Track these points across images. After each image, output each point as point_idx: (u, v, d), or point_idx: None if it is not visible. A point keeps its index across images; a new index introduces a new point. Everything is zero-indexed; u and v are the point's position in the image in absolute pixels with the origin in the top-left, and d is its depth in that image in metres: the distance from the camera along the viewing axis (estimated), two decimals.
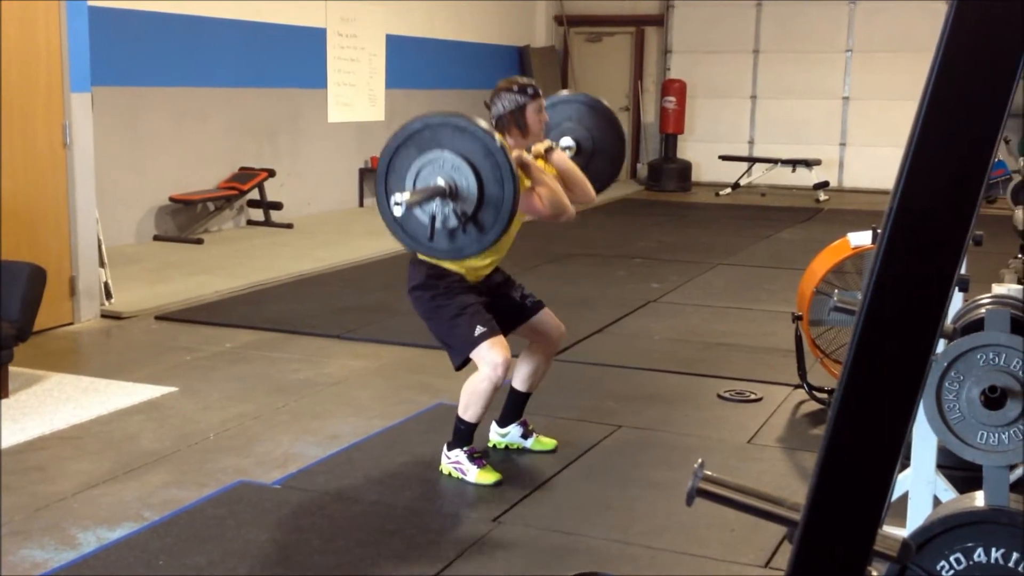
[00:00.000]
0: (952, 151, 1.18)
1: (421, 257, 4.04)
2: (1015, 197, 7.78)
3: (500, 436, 4.49)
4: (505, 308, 4.23)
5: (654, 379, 5.64)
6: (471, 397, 4.07)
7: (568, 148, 4.57)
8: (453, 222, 3.58)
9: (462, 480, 4.12)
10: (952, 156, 1.18)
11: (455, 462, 4.16)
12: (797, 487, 4.15)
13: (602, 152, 4.67)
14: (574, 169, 4.29)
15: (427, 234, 3.61)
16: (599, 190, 4.59)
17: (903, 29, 14.53)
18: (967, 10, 1.15)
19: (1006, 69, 1.15)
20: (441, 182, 3.54)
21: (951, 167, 1.18)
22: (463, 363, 4.08)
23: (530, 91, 4.04)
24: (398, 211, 3.46)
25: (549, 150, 4.22)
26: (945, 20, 1.17)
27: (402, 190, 3.58)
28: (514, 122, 4.05)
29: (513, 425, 4.48)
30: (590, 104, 4.71)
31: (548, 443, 4.50)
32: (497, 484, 4.09)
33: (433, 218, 3.59)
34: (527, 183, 3.97)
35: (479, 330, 3.99)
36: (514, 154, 3.81)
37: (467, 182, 3.52)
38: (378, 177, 3.71)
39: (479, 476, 4.10)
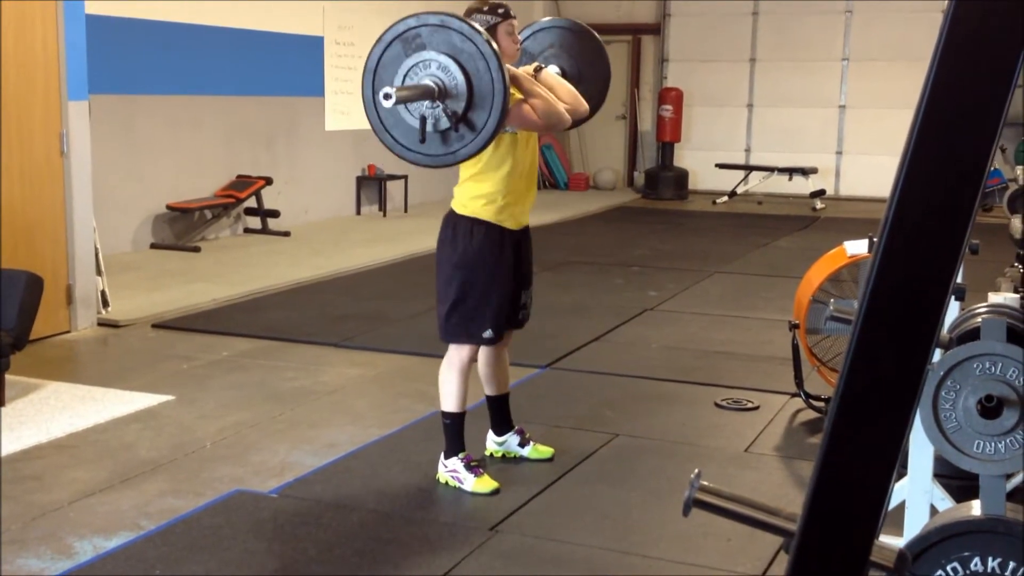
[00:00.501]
0: (948, 160, 1.18)
1: (461, 212, 4.06)
2: (1011, 206, 7.79)
3: (497, 445, 4.49)
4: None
5: (651, 387, 5.63)
6: (442, 386, 4.18)
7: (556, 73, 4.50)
8: (445, 123, 3.52)
9: (459, 489, 4.12)
10: (948, 165, 1.18)
11: (452, 471, 4.15)
12: (794, 496, 4.14)
13: (588, 77, 4.57)
14: (564, 84, 4.23)
15: (418, 137, 3.54)
16: (590, 112, 4.45)
17: (899, 38, 14.56)
18: (963, 19, 1.15)
19: (1002, 78, 1.16)
20: (429, 82, 3.49)
21: (947, 176, 1.18)
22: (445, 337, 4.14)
23: (501, 11, 4.00)
24: (387, 103, 3.34)
25: (537, 70, 4.19)
26: (941, 29, 1.18)
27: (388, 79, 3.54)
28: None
29: (510, 434, 4.48)
30: (573, 29, 4.61)
31: (545, 451, 4.49)
32: (494, 493, 4.09)
33: (424, 119, 3.53)
34: (518, 96, 3.92)
35: (489, 333, 4.06)
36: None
37: (456, 81, 3.47)
38: (365, 76, 3.60)
39: (476, 485, 4.10)
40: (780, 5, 15.38)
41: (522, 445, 4.47)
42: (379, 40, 3.59)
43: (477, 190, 4.05)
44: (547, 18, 4.73)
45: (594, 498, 4.11)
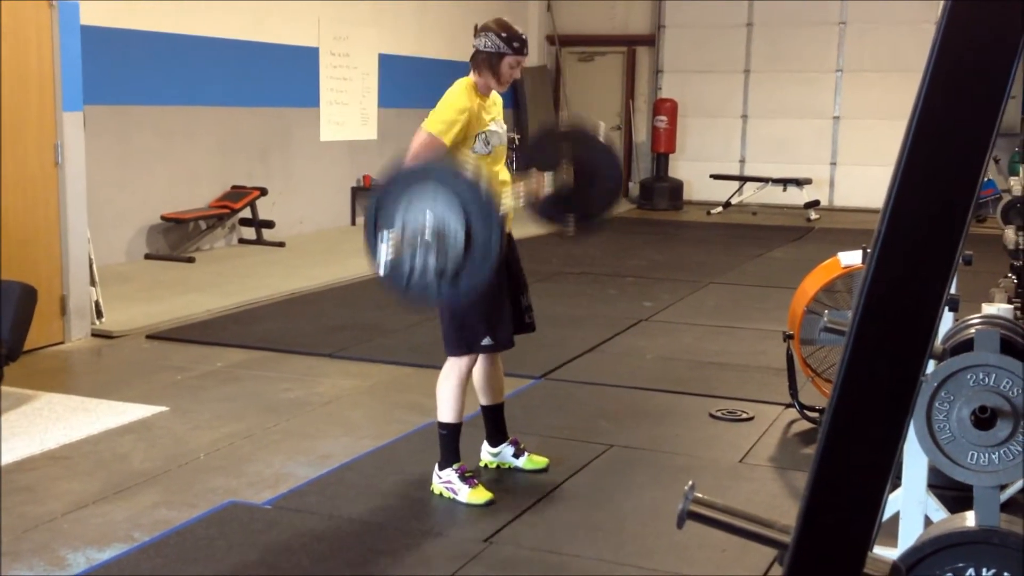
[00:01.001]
0: (942, 171, 1.18)
1: None
2: (1005, 217, 7.81)
3: (492, 456, 4.48)
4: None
5: (646, 398, 5.63)
6: (440, 396, 4.16)
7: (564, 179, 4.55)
8: (433, 267, 3.49)
9: (454, 500, 4.11)
10: (941, 175, 1.18)
11: (447, 482, 4.15)
12: (788, 507, 4.14)
13: (598, 188, 4.58)
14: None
15: (407, 281, 3.51)
16: (596, 215, 4.53)
17: (892, 49, 14.61)
18: (956, 30, 1.16)
19: (995, 88, 1.16)
20: (427, 226, 3.47)
21: (941, 187, 1.19)
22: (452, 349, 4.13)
23: (516, 45, 4.10)
24: (383, 250, 3.35)
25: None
26: (934, 40, 1.18)
27: (388, 221, 3.52)
28: (488, 64, 4.10)
29: (504, 444, 4.47)
30: (587, 139, 4.63)
31: (540, 461, 4.49)
32: (489, 504, 4.08)
33: (413, 262, 3.52)
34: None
35: (487, 341, 4.09)
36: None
37: (454, 229, 3.45)
38: (367, 223, 3.63)
39: (471, 496, 4.09)
40: (774, 17, 15.43)
41: (517, 456, 4.46)
42: (383, 178, 3.60)
43: None
44: (566, 121, 4.70)
45: (589, 509, 4.10)
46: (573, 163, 4.48)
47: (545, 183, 4.25)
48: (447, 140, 4.00)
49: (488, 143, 4.12)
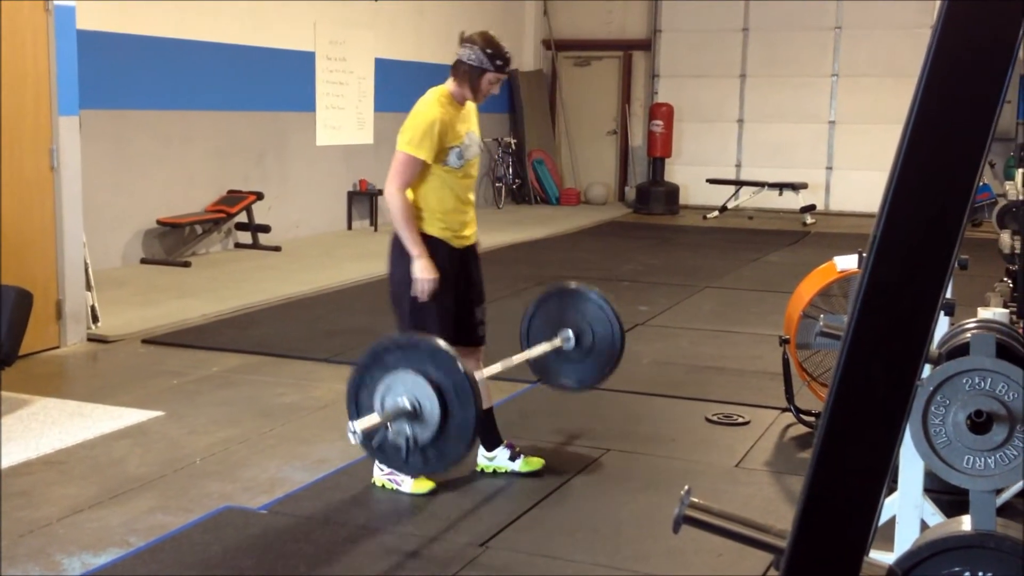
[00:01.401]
0: (937, 175, 1.19)
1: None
2: (1001, 221, 7.82)
3: (487, 460, 4.47)
4: (461, 315, 4.25)
5: (642, 402, 5.63)
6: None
7: (566, 340, 4.58)
8: (404, 441, 3.50)
9: (448, 504, 4.11)
10: (937, 180, 1.19)
11: (389, 473, 4.16)
12: (785, 511, 4.14)
13: (600, 352, 4.63)
14: None
15: (401, 457, 3.50)
16: (591, 385, 4.66)
17: (887, 54, 14.64)
18: (951, 35, 1.16)
19: (990, 93, 1.16)
20: (404, 404, 3.48)
21: (936, 191, 1.19)
22: None
23: (499, 63, 4.08)
24: (353, 439, 3.29)
25: None
26: (929, 45, 1.18)
27: (367, 404, 3.54)
28: (468, 78, 4.09)
29: (499, 448, 4.47)
30: (595, 300, 4.66)
31: (536, 463, 4.49)
32: (431, 492, 4.14)
33: (390, 441, 3.53)
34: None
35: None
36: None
37: (429, 404, 3.46)
38: (349, 382, 3.63)
39: (414, 486, 4.15)
40: (770, 21, 15.45)
41: (512, 459, 4.46)
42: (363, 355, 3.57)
43: (423, 206, 4.14)
44: (574, 284, 4.75)
45: (585, 513, 4.10)
46: (575, 326, 4.57)
47: None
48: (423, 155, 4.01)
49: (462, 156, 4.12)
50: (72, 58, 6.53)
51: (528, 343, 4.57)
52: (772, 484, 4.49)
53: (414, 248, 4.05)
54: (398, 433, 3.39)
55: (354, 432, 3.25)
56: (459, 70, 4.10)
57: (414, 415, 3.39)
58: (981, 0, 1.14)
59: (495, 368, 4.07)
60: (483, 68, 4.05)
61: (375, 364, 3.49)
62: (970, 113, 1.17)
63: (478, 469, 4.47)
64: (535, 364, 4.51)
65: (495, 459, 4.46)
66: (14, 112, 6.18)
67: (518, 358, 4.30)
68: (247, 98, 10.76)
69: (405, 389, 3.41)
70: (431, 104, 4.08)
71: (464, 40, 4.12)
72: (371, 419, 3.35)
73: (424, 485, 4.17)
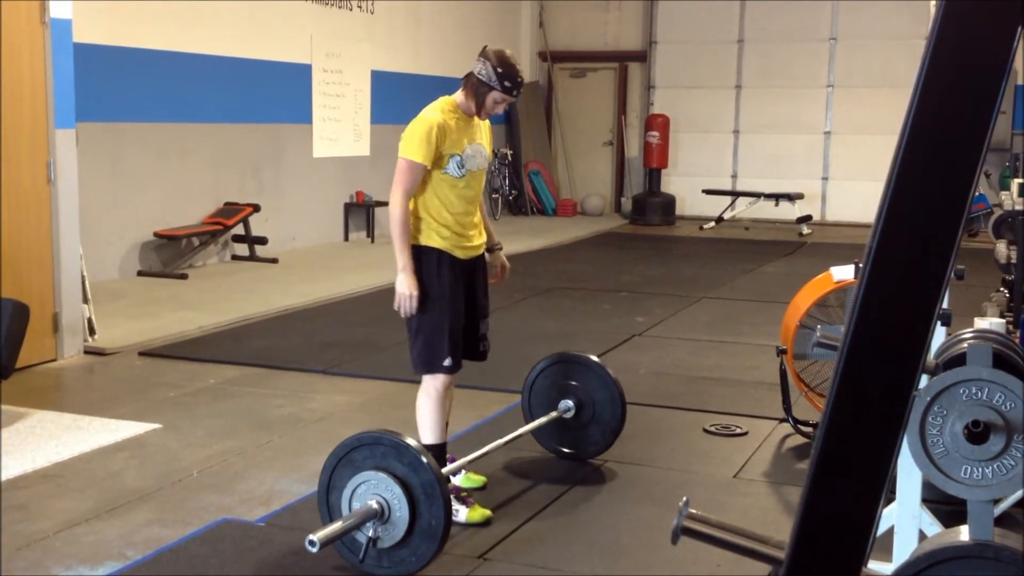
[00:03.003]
0: (933, 185, 1.19)
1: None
2: (996, 231, 7.83)
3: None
4: (465, 329, 4.22)
5: (639, 413, 5.63)
6: (420, 418, 4.12)
7: (568, 410, 4.70)
8: (374, 540, 3.51)
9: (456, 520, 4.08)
10: (933, 190, 1.19)
11: None
12: (783, 522, 4.13)
13: (601, 420, 4.74)
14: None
15: (360, 556, 3.52)
16: (593, 454, 4.76)
17: (882, 65, 14.68)
18: (946, 46, 1.16)
19: (985, 103, 1.16)
20: (374, 505, 3.48)
21: (932, 201, 1.19)
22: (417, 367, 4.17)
23: (507, 85, 4.04)
24: (311, 549, 3.30)
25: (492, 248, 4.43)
26: (924, 55, 1.18)
27: (339, 512, 3.54)
28: (475, 91, 4.06)
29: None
30: (597, 371, 4.75)
31: (477, 480, 4.42)
32: (488, 522, 4.05)
33: (360, 540, 3.53)
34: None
35: (448, 362, 4.05)
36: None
37: (399, 505, 3.47)
38: (320, 482, 3.65)
39: (470, 516, 4.03)
40: (765, 33, 15.50)
41: (453, 473, 4.35)
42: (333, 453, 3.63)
43: (424, 216, 4.11)
44: (576, 353, 4.83)
45: (583, 525, 4.10)
46: (577, 395, 4.66)
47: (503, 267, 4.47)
48: (420, 159, 3.99)
49: (462, 166, 4.08)
50: (69, 71, 6.53)
51: (530, 412, 4.72)
52: (770, 495, 4.49)
53: (400, 258, 4.00)
54: (369, 537, 3.45)
55: (312, 543, 3.24)
56: (469, 82, 4.09)
57: (384, 523, 3.43)
58: (976, 10, 1.15)
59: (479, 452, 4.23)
60: (490, 85, 4.03)
61: (344, 465, 3.53)
62: (965, 124, 1.17)
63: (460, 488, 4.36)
64: (540, 435, 4.69)
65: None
66: (11, 125, 6.19)
67: (512, 435, 4.40)
68: (244, 110, 10.77)
69: (373, 490, 3.44)
70: (432, 110, 4.08)
71: (481, 54, 4.10)
72: (334, 528, 3.38)
73: (481, 514, 4.05)
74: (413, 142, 4.00)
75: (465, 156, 4.09)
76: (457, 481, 4.36)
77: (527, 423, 4.66)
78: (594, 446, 4.75)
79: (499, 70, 4.03)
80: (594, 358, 4.77)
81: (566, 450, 4.76)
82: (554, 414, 4.65)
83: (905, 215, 1.18)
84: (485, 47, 4.17)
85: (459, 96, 4.12)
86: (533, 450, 4.85)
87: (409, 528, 3.45)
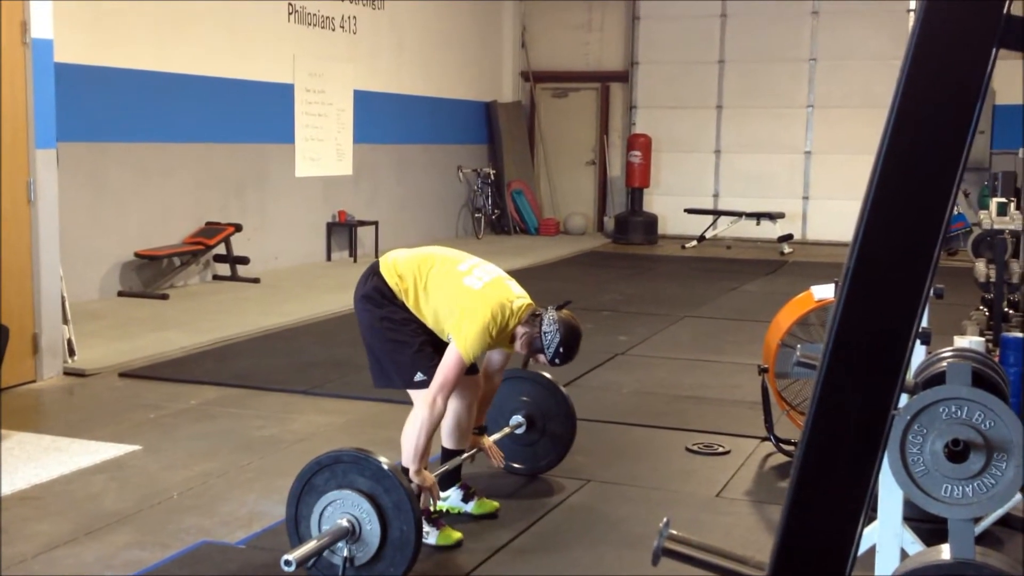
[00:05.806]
0: (910, 204, 1.19)
1: (381, 271, 4.15)
2: (976, 250, 7.87)
3: (440, 501, 4.23)
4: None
5: (622, 432, 5.62)
6: (406, 441, 3.94)
7: (519, 425, 4.73)
8: (350, 560, 3.49)
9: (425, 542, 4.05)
10: (910, 209, 1.19)
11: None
12: (766, 541, 4.13)
13: (552, 435, 4.77)
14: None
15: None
16: (544, 469, 4.79)
17: (862, 85, 14.79)
18: (922, 66, 1.17)
19: (962, 122, 1.17)
20: (344, 523, 3.47)
21: (909, 220, 1.19)
22: (386, 387, 4.19)
23: (555, 360, 3.98)
24: (287, 568, 3.26)
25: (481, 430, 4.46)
26: (900, 75, 1.19)
27: (308, 534, 3.53)
28: (529, 343, 4.00)
29: (452, 489, 4.32)
30: (547, 386, 4.77)
31: (490, 505, 4.35)
32: (458, 544, 4.02)
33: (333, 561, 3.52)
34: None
35: (419, 376, 4.00)
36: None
37: (370, 525, 3.47)
38: (287, 515, 3.63)
39: (439, 538, 3.98)
40: (745, 53, 15.60)
41: (466, 500, 4.32)
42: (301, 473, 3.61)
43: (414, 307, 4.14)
44: (526, 371, 4.83)
45: (565, 545, 4.08)
46: (528, 410, 4.70)
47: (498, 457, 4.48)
48: (473, 358, 3.99)
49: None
50: (50, 92, 6.51)
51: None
52: (753, 514, 4.49)
53: (412, 465, 3.90)
54: (341, 556, 3.42)
55: (288, 562, 3.22)
56: (531, 330, 4.00)
57: (354, 541, 3.42)
58: (951, 32, 1.15)
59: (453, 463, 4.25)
60: (543, 351, 3.98)
61: (311, 487, 3.52)
62: (942, 143, 1.18)
63: (431, 511, 4.17)
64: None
65: (448, 499, 4.31)
66: None
67: (468, 453, 4.40)
68: (225, 130, 10.76)
69: (344, 510, 3.43)
70: (495, 314, 4.00)
71: (559, 316, 4.02)
72: (310, 546, 3.36)
73: (451, 536, 4.01)
74: (477, 349, 3.96)
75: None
76: (469, 508, 4.32)
77: None
78: (545, 460, 4.75)
79: (561, 349, 3.96)
80: (546, 374, 4.75)
81: (517, 465, 4.75)
82: (507, 430, 4.65)
83: (882, 235, 1.19)
84: (564, 306, 4.12)
85: (518, 327, 4.03)
86: (493, 468, 4.84)
87: (382, 541, 3.44)
